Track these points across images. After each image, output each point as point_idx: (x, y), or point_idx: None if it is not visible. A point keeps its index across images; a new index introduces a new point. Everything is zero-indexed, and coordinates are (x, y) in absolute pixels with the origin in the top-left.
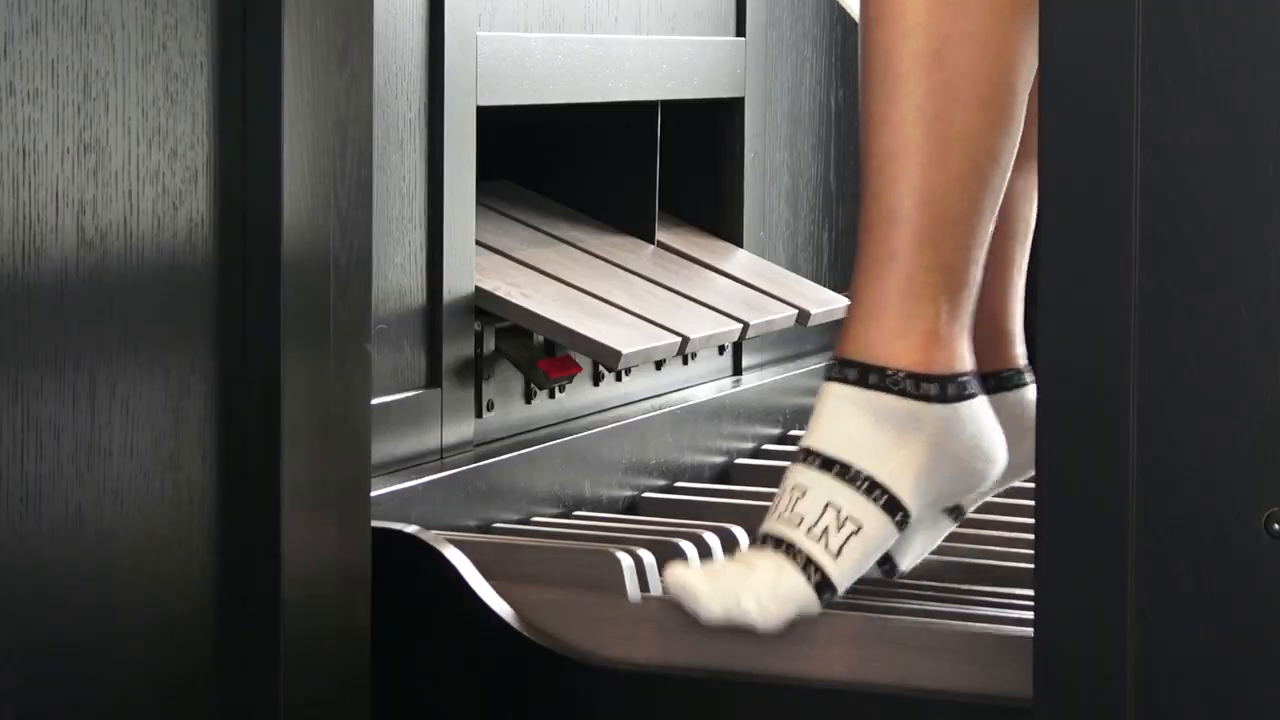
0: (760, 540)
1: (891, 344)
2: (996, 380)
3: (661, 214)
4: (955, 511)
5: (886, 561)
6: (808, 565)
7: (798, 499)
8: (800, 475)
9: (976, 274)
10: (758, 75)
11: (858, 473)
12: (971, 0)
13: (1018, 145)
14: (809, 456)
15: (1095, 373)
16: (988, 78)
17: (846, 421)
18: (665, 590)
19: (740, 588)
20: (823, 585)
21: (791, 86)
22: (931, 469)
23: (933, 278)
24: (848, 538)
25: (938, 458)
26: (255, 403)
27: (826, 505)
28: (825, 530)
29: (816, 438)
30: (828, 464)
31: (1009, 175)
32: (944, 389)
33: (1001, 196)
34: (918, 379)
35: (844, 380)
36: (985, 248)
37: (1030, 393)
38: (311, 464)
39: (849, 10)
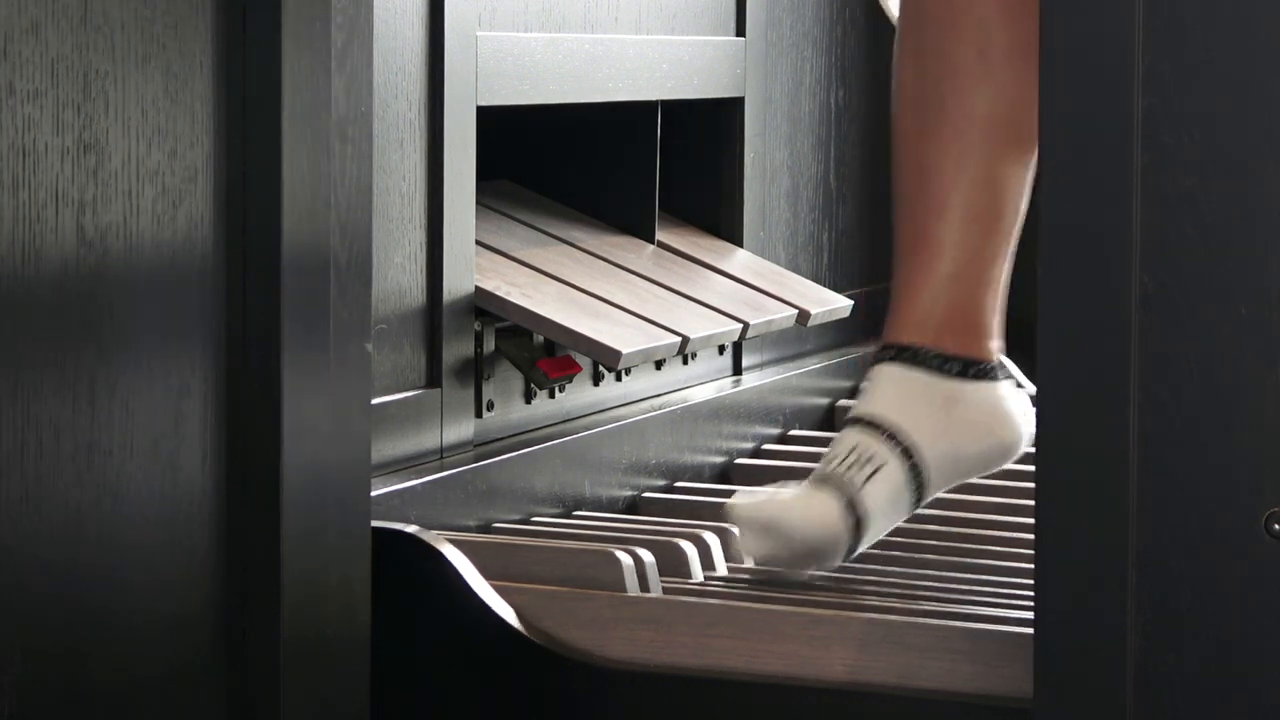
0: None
1: None
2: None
3: (661, 214)
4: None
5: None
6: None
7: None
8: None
9: None
10: (758, 75)
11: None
12: None
13: None
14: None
15: (1095, 373)
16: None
17: None
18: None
19: (779, 511)
20: (851, 506)
21: (791, 86)
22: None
23: None
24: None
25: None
26: (255, 403)
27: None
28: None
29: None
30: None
31: None
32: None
33: None
34: None
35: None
36: None
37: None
38: (311, 464)
39: (889, 10)
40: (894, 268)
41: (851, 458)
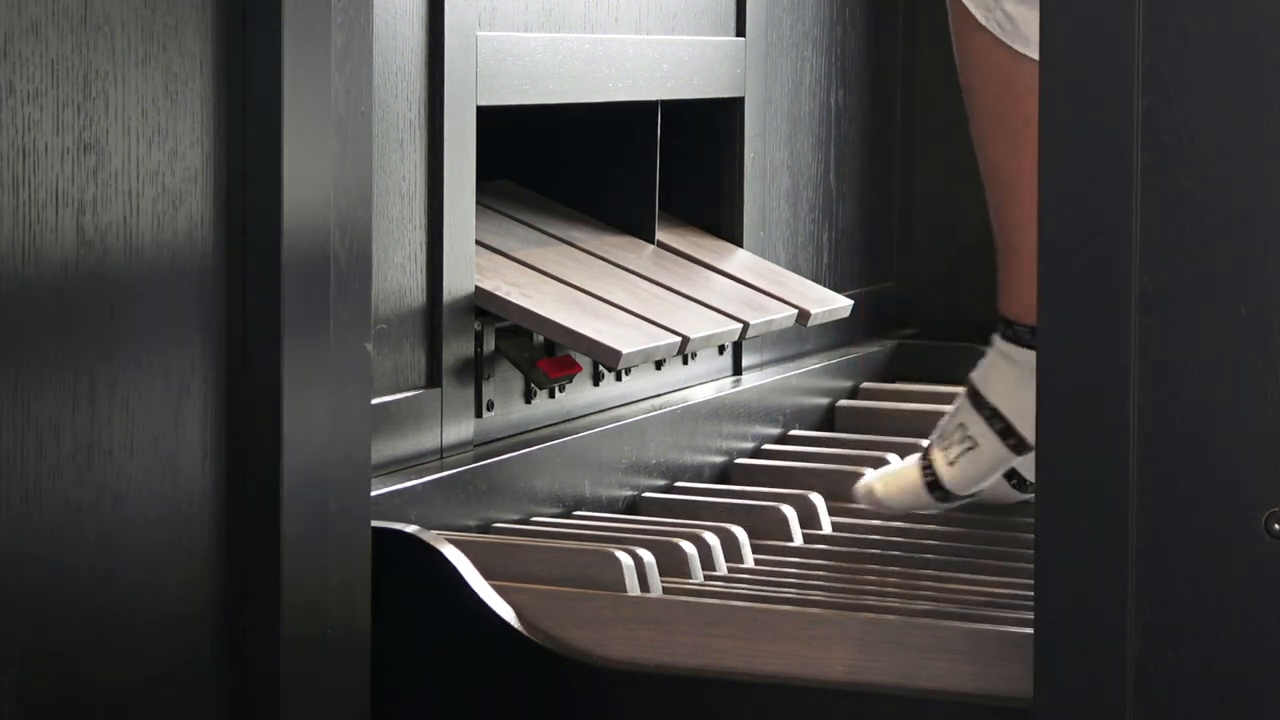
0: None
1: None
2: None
3: (661, 214)
4: None
5: (1014, 476)
6: (927, 468)
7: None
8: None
9: None
10: (758, 75)
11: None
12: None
13: None
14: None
15: (1095, 373)
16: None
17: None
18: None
19: (877, 477)
20: (934, 485)
21: (791, 86)
22: None
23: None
24: (963, 452)
25: None
26: (255, 403)
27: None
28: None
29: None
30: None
31: None
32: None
33: None
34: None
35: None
36: None
37: None
38: (311, 464)
39: None
40: (998, 260)
41: (956, 435)
